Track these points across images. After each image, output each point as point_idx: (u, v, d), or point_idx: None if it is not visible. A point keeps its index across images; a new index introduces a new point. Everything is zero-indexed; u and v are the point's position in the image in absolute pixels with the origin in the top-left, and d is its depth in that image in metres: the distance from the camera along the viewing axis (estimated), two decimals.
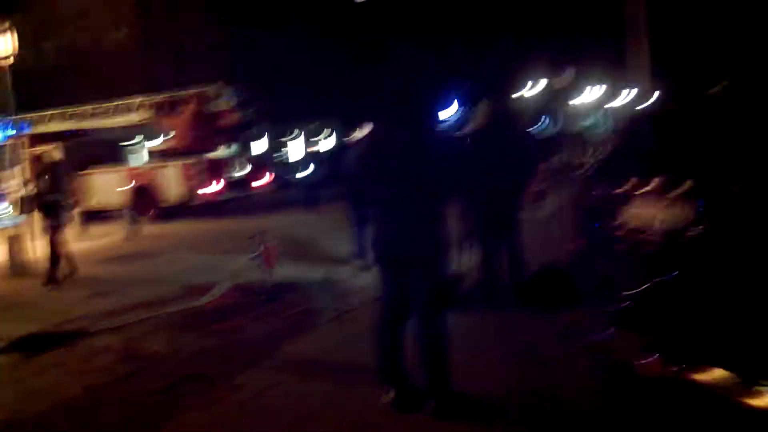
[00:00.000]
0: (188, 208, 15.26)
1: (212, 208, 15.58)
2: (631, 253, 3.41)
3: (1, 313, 6.70)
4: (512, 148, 5.32)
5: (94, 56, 32.34)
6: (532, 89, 30.41)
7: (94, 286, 7.67)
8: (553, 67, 31.51)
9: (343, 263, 7.54)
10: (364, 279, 6.42)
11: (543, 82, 31.13)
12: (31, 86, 32.19)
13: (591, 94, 32.49)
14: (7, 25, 8.18)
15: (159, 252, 10.10)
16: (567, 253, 5.28)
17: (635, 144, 5.03)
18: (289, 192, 21.96)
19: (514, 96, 25.74)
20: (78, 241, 12.73)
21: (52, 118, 17.25)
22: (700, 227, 2.70)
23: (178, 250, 10.24)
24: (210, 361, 4.72)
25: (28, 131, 17.14)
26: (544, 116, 30.87)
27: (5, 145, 16.87)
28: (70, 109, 17.13)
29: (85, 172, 15.96)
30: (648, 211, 3.29)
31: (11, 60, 8.56)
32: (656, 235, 3.10)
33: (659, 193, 3.27)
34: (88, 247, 11.84)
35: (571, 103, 33.36)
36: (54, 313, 6.43)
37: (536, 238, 6.11)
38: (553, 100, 32.45)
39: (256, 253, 6.30)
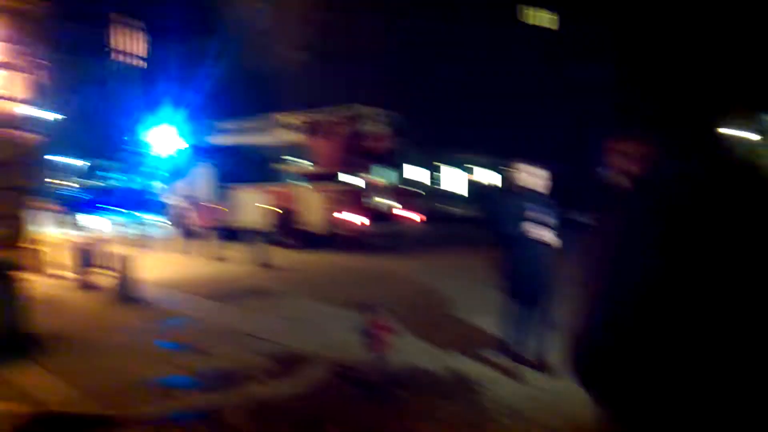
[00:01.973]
0: (328, 237, 14.03)
1: (353, 239, 14.22)
2: None
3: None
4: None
5: (269, 75, 33.70)
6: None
7: (187, 329, 6.32)
8: None
9: (490, 352, 5.41)
10: (519, 389, 4.26)
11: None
12: (209, 100, 34.54)
13: None
14: (140, 25, 7.16)
15: (276, 291, 8.68)
16: None
17: None
18: (440, 227, 20.27)
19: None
20: (211, 261, 12.00)
21: (211, 130, 17.23)
22: None
23: (297, 290, 8.75)
24: None
25: (196, 141, 17.39)
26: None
27: (178, 154, 17.20)
28: (227, 124, 16.97)
29: (230, 188, 15.53)
30: None
31: (143, 63, 7.59)
32: None
33: None
34: (214, 271, 10.93)
35: None
36: (118, 358, 5.09)
37: None
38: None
39: (364, 330, 4.41)
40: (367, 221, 13.38)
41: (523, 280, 4.85)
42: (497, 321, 6.29)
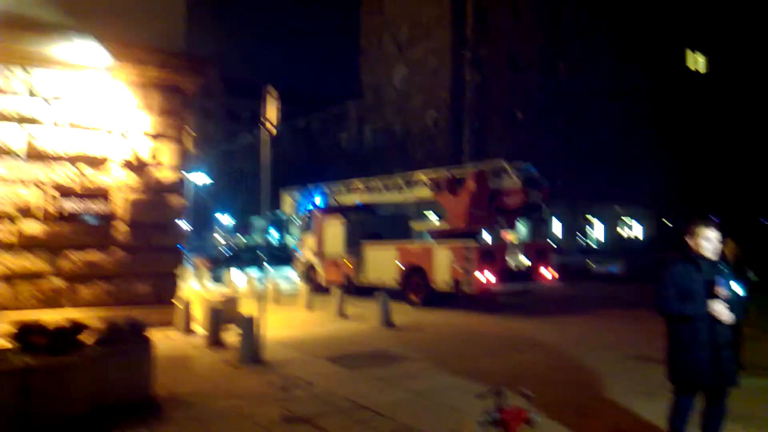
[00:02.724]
0: (458, 297, 13.36)
1: (484, 300, 13.43)
2: None
3: None
4: None
5: (406, 137, 34.29)
6: None
7: (307, 400, 5.98)
8: None
9: None
10: None
11: None
12: (352, 162, 35.80)
13: None
14: (275, 94, 7.34)
15: (399, 355, 8.15)
16: None
17: None
18: (582, 288, 18.70)
19: None
20: (337, 317, 11.81)
21: (348, 189, 17.50)
22: None
23: (421, 355, 8.15)
24: None
25: (330, 201, 17.79)
26: None
27: (310, 211, 17.67)
28: (361, 181, 17.14)
29: (363, 245, 15.48)
30: None
31: (273, 129, 7.73)
32: None
33: None
34: (339, 329, 10.68)
35: None
36: None
37: None
38: None
39: (488, 419, 3.71)
40: (495, 279, 12.55)
41: (701, 367, 3.91)
42: (658, 408, 5.27)
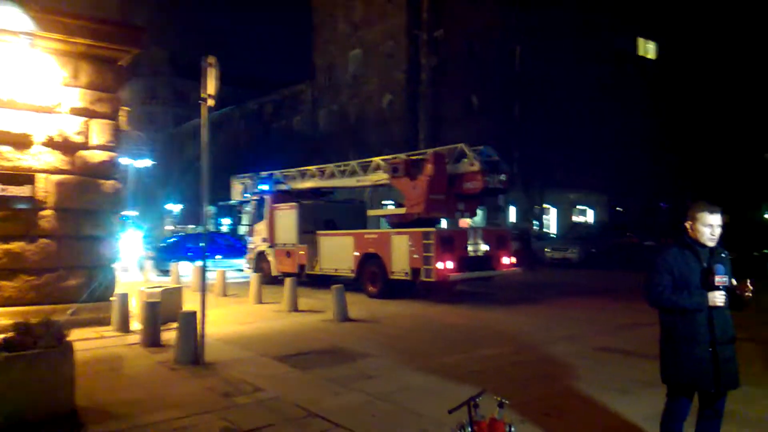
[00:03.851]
0: (416, 287, 12.87)
1: (445, 289, 12.98)
2: None
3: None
4: None
5: (361, 121, 33.52)
6: None
7: (252, 409, 5.31)
8: None
9: None
10: None
11: None
12: (306, 146, 34.77)
13: None
14: (213, 62, 6.51)
15: (358, 351, 7.55)
16: None
17: None
18: (543, 274, 18.49)
19: None
20: (289, 310, 11.13)
21: (301, 175, 16.69)
22: None
23: (382, 351, 7.58)
24: None
25: (281, 187, 16.93)
26: None
27: (261, 198, 16.79)
28: (315, 167, 16.36)
29: (317, 233, 14.78)
30: None
31: (212, 102, 6.91)
32: None
33: None
34: (292, 323, 10.01)
35: None
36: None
37: None
38: None
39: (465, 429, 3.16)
40: (454, 266, 12.07)
41: (699, 366, 3.46)
42: (635, 405, 4.85)
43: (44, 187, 8.95)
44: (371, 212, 16.48)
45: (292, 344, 8.10)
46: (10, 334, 5.03)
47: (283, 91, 41.66)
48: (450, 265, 12.02)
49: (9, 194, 8.71)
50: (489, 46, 31.81)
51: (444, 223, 13.64)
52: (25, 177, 8.85)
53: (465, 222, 13.80)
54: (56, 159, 9.08)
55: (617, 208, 36.26)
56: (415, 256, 12.27)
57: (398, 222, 13.62)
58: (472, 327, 9.64)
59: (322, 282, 14.11)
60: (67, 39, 8.94)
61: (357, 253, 13.54)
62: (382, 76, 32.72)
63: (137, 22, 11.07)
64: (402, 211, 13.65)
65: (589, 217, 37.02)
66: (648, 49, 40.34)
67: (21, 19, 8.37)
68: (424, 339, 8.72)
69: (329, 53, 36.68)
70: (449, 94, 30.86)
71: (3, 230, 8.66)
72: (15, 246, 8.76)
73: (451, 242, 12.29)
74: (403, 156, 14.12)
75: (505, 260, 13.13)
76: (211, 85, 6.82)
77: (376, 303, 12.22)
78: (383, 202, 15.28)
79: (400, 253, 12.58)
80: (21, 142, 8.81)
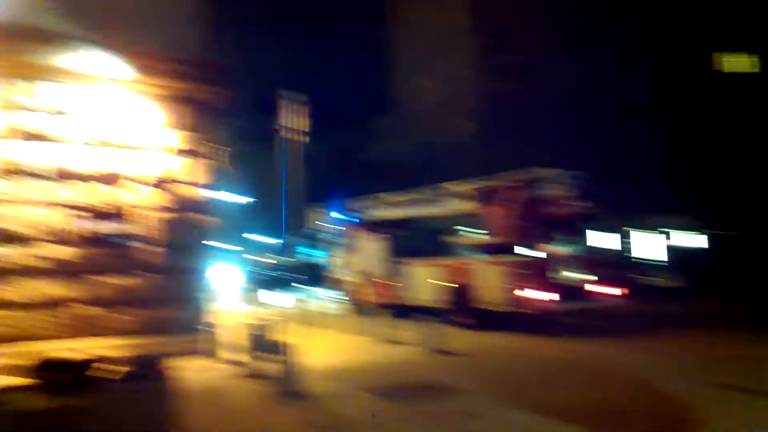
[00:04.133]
0: (509, 316, 12.41)
1: (539, 318, 12.44)
2: None
3: None
4: None
5: (439, 149, 33.58)
6: None
7: None
8: None
9: None
10: None
11: None
12: (386, 176, 35.22)
13: None
14: (297, 100, 6.63)
15: (454, 387, 7.30)
16: None
17: None
18: (645, 303, 17.36)
19: None
20: (383, 342, 11.04)
21: (381, 204, 16.78)
22: None
23: (479, 387, 7.29)
24: None
25: (368, 215, 17.11)
26: None
27: (348, 228, 17.03)
28: (398, 196, 16.39)
29: (406, 263, 14.70)
30: None
31: (306, 138, 7.04)
32: None
33: None
34: (387, 355, 9.89)
35: None
36: None
37: None
38: None
39: None
40: (555, 297, 11.58)
41: None
42: None
43: (150, 223, 9.45)
44: (458, 240, 16.25)
45: (388, 377, 7.98)
46: (123, 368, 5.24)
47: (361, 124, 42.61)
48: (546, 294, 11.54)
49: (118, 231, 9.26)
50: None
51: (536, 251, 13.18)
52: (132, 214, 9.39)
53: (558, 249, 13.27)
54: (155, 196, 9.57)
55: (721, 232, 33.85)
56: (508, 285, 11.89)
57: (489, 250, 13.29)
58: (574, 361, 9.13)
59: (414, 313, 13.95)
60: (162, 82, 9.50)
61: (447, 283, 13.30)
62: (455, 104, 32.86)
63: (229, 64, 11.65)
64: (491, 239, 13.32)
65: (692, 241, 34.77)
66: (741, 64, 37.91)
67: (119, 65, 9.00)
68: (523, 374, 8.34)
69: (404, 84, 37.28)
70: (522, 119, 30.40)
71: (106, 265, 9.18)
72: (117, 280, 9.26)
73: (546, 270, 11.82)
74: (488, 182, 13.85)
75: (605, 289, 12.45)
76: (291, 119, 6.96)
77: (470, 334, 11.89)
78: (464, 228, 15.01)
79: (493, 282, 12.24)
80: (123, 181, 9.37)
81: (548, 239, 12.89)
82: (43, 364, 5.23)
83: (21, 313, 8.41)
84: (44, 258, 8.65)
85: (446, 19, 34.08)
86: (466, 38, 32.29)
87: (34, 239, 8.62)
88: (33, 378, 5.20)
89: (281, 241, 39.74)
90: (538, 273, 11.68)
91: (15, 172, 8.52)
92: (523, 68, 30.66)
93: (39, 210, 8.67)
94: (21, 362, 5.79)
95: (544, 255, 12.86)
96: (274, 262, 37.45)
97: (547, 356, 9.62)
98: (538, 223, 12.55)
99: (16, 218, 8.52)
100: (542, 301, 11.51)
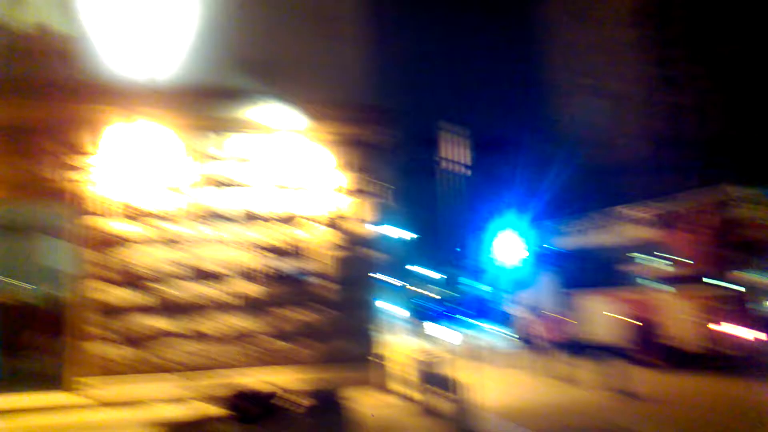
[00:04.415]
0: (704, 356, 11.01)
1: (740, 360, 10.85)
2: None
3: None
4: None
5: (610, 169, 31.70)
6: None
7: None
8: None
9: None
10: None
11: None
12: (550, 202, 33.97)
13: None
14: (457, 134, 6.67)
15: None
16: None
17: None
18: None
19: None
20: (559, 382, 10.39)
21: (556, 232, 16.08)
22: None
23: None
24: None
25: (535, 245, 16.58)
26: None
27: (519, 261, 16.61)
28: (567, 225, 15.59)
29: (575, 295, 13.85)
30: None
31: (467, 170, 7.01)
32: None
33: None
34: (563, 397, 9.26)
35: None
36: None
37: None
38: None
39: None
40: (756, 334, 10.10)
41: None
42: None
43: (324, 260, 9.97)
44: (640, 269, 14.95)
45: (565, 421, 7.45)
46: (305, 401, 5.46)
47: (524, 150, 41.63)
48: (748, 331, 10.12)
49: (297, 268, 9.89)
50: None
51: (733, 281, 11.64)
52: (308, 252, 9.99)
53: (760, 279, 11.61)
54: (332, 235, 10.09)
55: None
56: (702, 320, 10.62)
57: (674, 281, 12.02)
58: None
59: (591, 350, 13.02)
60: (333, 127, 10.11)
61: (630, 318, 12.26)
62: (626, 122, 30.90)
63: (392, 105, 12.11)
64: (677, 268, 12.04)
65: None
66: None
67: (297, 117, 9.74)
68: (725, 424, 7.27)
69: (569, 105, 35.93)
70: (704, 134, 27.59)
71: (289, 300, 9.78)
72: (297, 314, 9.82)
73: (747, 303, 10.39)
74: (675, 204, 12.62)
75: None
76: (453, 151, 6.90)
77: (660, 377, 10.73)
78: (645, 257, 13.72)
79: (684, 316, 11.02)
80: (301, 221, 10.02)
81: (746, 267, 11.35)
82: (236, 395, 5.61)
83: (215, 346, 9.28)
84: (234, 294, 9.53)
85: (607, 34, 32.54)
86: (631, 52, 30.48)
87: (226, 276, 9.54)
88: (226, 408, 5.60)
89: (446, 275, 39.81)
90: (737, 306, 10.32)
91: (209, 216, 9.58)
92: (699, 76, 28.09)
93: (229, 250, 9.61)
94: (216, 392, 6.30)
95: (743, 286, 11.33)
96: (440, 295, 37.57)
97: (754, 403, 8.32)
98: (734, 250, 11.12)
99: (211, 258, 9.52)
100: (743, 338, 10.10)
